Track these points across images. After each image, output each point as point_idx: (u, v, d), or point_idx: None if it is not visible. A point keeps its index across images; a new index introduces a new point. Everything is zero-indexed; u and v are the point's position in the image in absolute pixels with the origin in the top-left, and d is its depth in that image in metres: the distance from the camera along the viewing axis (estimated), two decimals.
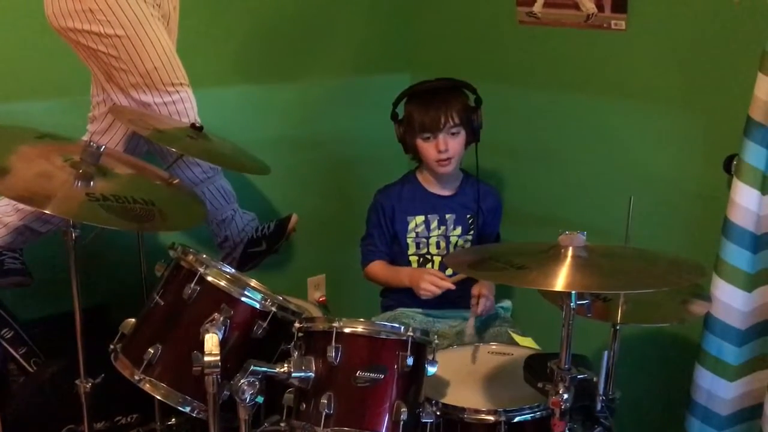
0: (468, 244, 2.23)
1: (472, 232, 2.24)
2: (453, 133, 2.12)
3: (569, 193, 2.49)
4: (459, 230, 2.22)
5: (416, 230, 2.21)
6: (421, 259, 2.22)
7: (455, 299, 2.14)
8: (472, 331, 2.06)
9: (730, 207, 1.91)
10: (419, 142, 2.14)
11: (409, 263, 2.22)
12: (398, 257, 2.24)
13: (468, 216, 2.23)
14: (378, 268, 2.23)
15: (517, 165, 2.62)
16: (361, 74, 2.85)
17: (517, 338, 2.00)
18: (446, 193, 2.23)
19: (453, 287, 2.03)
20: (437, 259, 2.21)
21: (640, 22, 2.21)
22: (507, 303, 2.25)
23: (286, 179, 2.61)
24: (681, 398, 2.09)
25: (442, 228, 2.21)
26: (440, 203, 2.22)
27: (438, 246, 2.21)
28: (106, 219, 1.53)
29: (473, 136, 2.16)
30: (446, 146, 2.10)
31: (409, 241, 2.21)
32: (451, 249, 2.22)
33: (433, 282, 2.04)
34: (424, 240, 2.21)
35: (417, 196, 2.23)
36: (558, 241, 1.50)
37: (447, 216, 2.22)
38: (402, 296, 2.21)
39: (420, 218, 2.21)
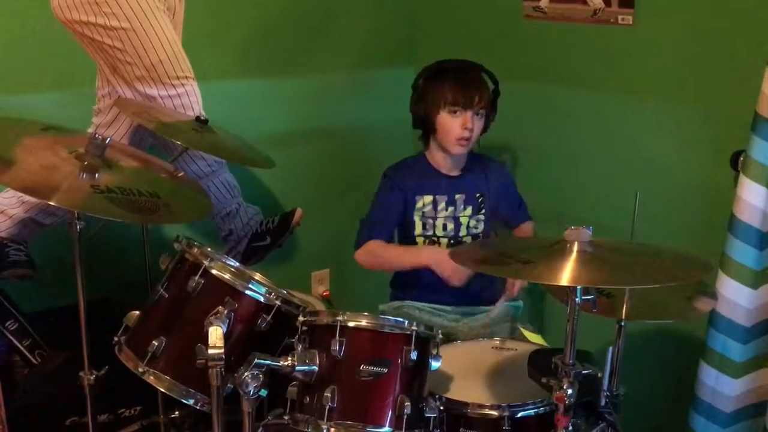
0: (480, 224, 2.21)
1: (483, 212, 2.21)
2: (479, 115, 2.11)
3: (575, 189, 2.49)
4: (469, 210, 2.20)
5: (423, 210, 2.17)
6: (428, 241, 2.19)
7: (471, 296, 2.14)
8: (495, 315, 2.03)
9: (737, 203, 1.90)
10: (444, 116, 2.10)
11: (415, 244, 2.19)
12: (403, 238, 2.22)
13: (478, 195, 2.21)
14: (378, 244, 2.15)
15: (523, 160, 2.61)
16: (365, 69, 2.85)
17: (527, 333, 2.00)
18: (455, 173, 2.21)
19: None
20: (444, 241, 2.19)
21: (647, 17, 2.20)
22: (519, 303, 2.24)
23: (291, 173, 2.60)
24: (685, 395, 2.09)
25: (450, 209, 2.18)
26: (449, 184, 2.19)
27: (445, 228, 2.18)
28: (110, 211, 1.53)
29: (487, 125, 2.16)
30: (472, 124, 2.09)
31: (416, 218, 2.18)
32: (462, 230, 2.19)
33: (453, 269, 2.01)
34: (431, 221, 2.18)
35: (425, 175, 2.19)
36: (564, 236, 1.49)
37: (456, 196, 2.19)
38: (412, 290, 2.20)
39: (428, 198, 2.17)
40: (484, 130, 2.17)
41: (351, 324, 1.51)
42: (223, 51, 2.50)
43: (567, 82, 2.46)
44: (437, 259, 2.06)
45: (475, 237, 2.21)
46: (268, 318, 1.61)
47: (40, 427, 1.99)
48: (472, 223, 2.21)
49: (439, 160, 2.20)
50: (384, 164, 2.32)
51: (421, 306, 2.17)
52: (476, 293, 2.18)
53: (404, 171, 2.21)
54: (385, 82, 2.83)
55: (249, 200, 2.33)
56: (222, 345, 1.45)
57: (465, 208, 2.20)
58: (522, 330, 2.03)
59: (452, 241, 2.19)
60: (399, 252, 2.17)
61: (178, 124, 1.93)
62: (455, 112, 2.09)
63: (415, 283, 2.20)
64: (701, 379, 2.02)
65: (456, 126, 2.09)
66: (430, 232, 2.19)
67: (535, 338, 1.99)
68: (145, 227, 2.00)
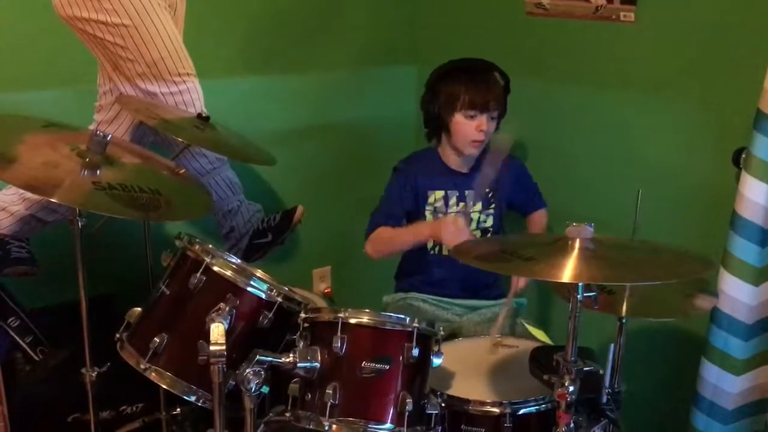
0: (490, 219, 2.22)
1: (493, 206, 2.23)
2: (492, 117, 2.12)
3: (577, 186, 2.48)
4: (479, 206, 2.21)
5: (435, 205, 2.19)
6: None
7: (476, 290, 2.15)
8: (503, 321, 2.01)
9: (739, 200, 1.90)
10: (458, 118, 2.10)
11: None
12: None
13: (488, 190, 2.21)
14: (382, 229, 2.16)
15: (525, 157, 2.61)
16: (368, 66, 2.84)
17: (530, 328, 2.00)
18: (466, 169, 2.22)
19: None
20: None
21: (649, 14, 2.20)
22: (522, 300, 2.24)
23: (292, 170, 2.60)
24: (687, 392, 2.09)
25: (461, 204, 2.19)
26: (460, 180, 2.20)
27: None
28: (112, 208, 1.53)
29: (498, 124, 2.17)
30: (487, 127, 2.10)
31: (427, 213, 2.19)
32: (471, 225, 2.20)
33: (454, 232, 2.00)
34: (441, 215, 2.19)
35: (437, 171, 2.20)
36: (566, 233, 1.49)
37: (467, 192, 2.20)
38: (417, 283, 2.21)
39: (440, 193, 2.18)
40: (495, 128, 2.17)
41: (352, 321, 1.51)
42: (224, 48, 2.50)
43: (568, 79, 2.45)
44: (437, 225, 2.06)
45: (484, 231, 2.23)
46: (270, 315, 1.60)
47: (42, 424, 2.00)
48: (482, 218, 2.22)
49: (450, 157, 2.21)
50: (386, 161, 2.32)
51: (425, 298, 2.18)
52: (481, 287, 2.19)
53: (415, 165, 2.22)
54: (388, 80, 2.83)
55: (250, 197, 2.33)
56: (224, 342, 1.45)
57: (475, 204, 2.20)
58: (525, 325, 2.03)
59: (451, 253, 2.19)
60: (401, 230, 2.16)
61: (180, 121, 1.93)
62: (472, 116, 2.09)
63: (420, 277, 2.20)
64: (703, 376, 2.02)
65: (471, 129, 2.10)
66: None
67: (539, 333, 1.99)
68: (147, 224, 2.00)
